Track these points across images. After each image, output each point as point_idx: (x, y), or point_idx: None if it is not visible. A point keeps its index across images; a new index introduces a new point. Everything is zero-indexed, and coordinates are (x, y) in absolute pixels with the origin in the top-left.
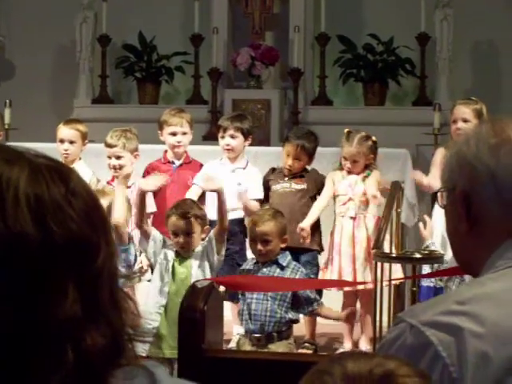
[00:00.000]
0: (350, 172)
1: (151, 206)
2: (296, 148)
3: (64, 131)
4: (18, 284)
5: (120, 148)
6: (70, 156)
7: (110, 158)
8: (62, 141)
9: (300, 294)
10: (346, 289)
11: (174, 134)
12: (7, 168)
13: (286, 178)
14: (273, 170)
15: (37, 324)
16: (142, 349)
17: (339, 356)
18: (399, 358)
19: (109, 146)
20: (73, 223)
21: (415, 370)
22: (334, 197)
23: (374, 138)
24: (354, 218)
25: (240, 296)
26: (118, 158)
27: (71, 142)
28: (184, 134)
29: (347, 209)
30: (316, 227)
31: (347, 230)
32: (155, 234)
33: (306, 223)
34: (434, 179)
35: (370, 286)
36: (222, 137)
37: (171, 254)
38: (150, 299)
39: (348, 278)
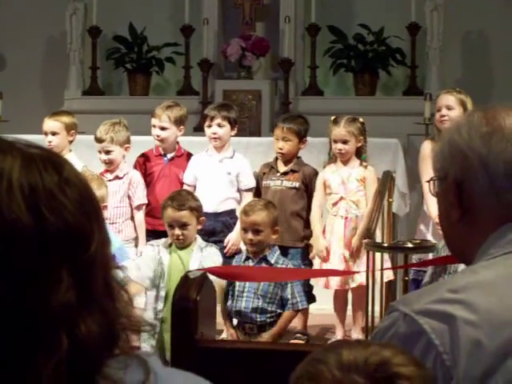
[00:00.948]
0: (342, 156)
1: (142, 198)
2: (282, 129)
3: (46, 123)
4: (13, 270)
5: (108, 142)
6: (54, 148)
7: (100, 152)
8: (45, 133)
9: (286, 296)
10: (336, 287)
11: (154, 127)
12: (0, 158)
13: (278, 174)
14: (265, 165)
15: (30, 310)
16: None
17: (334, 344)
18: (395, 346)
19: (98, 140)
20: (66, 211)
21: (411, 358)
22: (327, 195)
23: (361, 120)
24: (345, 218)
25: (230, 295)
26: (108, 152)
27: (54, 134)
28: (162, 128)
29: (338, 208)
30: (306, 224)
31: (338, 230)
32: (145, 265)
33: (318, 240)
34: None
35: (362, 277)
36: (209, 126)
37: (166, 257)
38: (148, 310)
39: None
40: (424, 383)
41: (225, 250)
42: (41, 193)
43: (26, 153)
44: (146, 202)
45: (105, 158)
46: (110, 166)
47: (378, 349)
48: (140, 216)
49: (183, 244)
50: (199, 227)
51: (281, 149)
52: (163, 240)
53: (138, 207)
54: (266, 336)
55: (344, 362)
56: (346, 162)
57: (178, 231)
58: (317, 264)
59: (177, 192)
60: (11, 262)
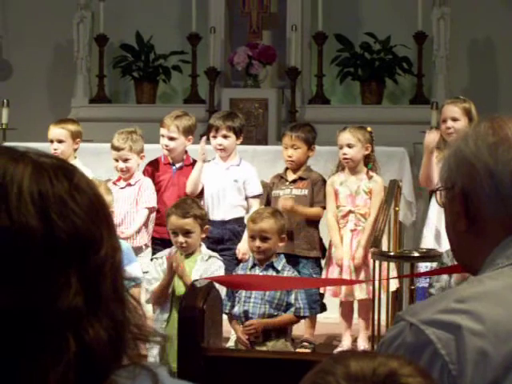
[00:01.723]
0: (347, 163)
1: (150, 201)
2: (290, 137)
3: (52, 131)
4: (22, 274)
5: (127, 151)
6: (60, 155)
7: (116, 160)
8: (51, 141)
9: (289, 301)
10: (342, 298)
11: (163, 136)
12: (11, 165)
13: (287, 183)
14: (275, 176)
15: (38, 314)
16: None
17: (341, 355)
18: (402, 356)
19: (116, 148)
20: (76, 217)
21: (418, 369)
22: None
23: (369, 129)
24: (353, 231)
25: (236, 301)
26: (125, 160)
27: (60, 142)
28: (171, 138)
29: (347, 221)
30: (315, 234)
31: (345, 243)
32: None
33: (337, 248)
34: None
35: (363, 287)
36: (214, 137)
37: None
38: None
39: (346, 289)
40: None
41: (239, 258)
42: (50, 199)
43: (37, 161)
44: (154, 205)
45: (122, 166)
46: (126, 173)
47: (385, 360)
48: (142, 214)
49: (187, 251)
50: (203, 235)
51: (290, 156)
52: (167, 251)
53: (143, 209)
54: (256, 322)
55: (352, 373)
56: (353, 171)
57: (181, 239)
58: (333, 273)
59: (182, 200)
60: (19, 264)
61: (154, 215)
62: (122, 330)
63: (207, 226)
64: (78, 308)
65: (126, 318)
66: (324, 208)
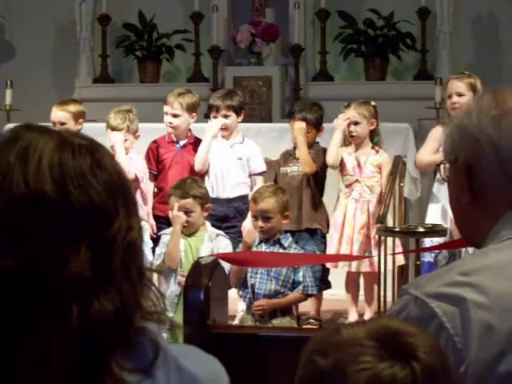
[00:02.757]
0: (354, 139)
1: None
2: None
3: (54, 114)
4: (33, 237)
5: (125, 132)
6: None
7: None
8: (54, 123)
9: (297, 279)
10: (346, 269)
11: (166, 114)
12: (37, 137)
13: (295, 160)
14: (284, 153)
15: (45, 277)
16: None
17: (341, 324)
18: (396, 318)
19: (113, 129)
20: (93, 191)
21: (411, 323)
22: (342, 174)
23: (373, 103)
24: (357, 201)
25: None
26: (124, 141)
27: (62, 124)
28: (175, 115)
29: (352, 190)
30: (320, 207)
31: (350, 212)
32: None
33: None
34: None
35: (374, 260)
36: (215, 117)
37: (181, 241)
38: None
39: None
40: (428, 339)
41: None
42: (70, 170)
43: (64, 136)
44: (133, 176)
45: None
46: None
47: (376, 321)
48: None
49: (189, 230)
50: (206, 214)
51: None
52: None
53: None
54: (265, 303)
55: (351, 334)
56: (359, 146)
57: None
58: (332, 248)
59: (182, 180)
60: (32, 227)
61: (152, 189)
62: (128, 306)
63: (208, 205)
64: (84, 277)
65: (134, 295)
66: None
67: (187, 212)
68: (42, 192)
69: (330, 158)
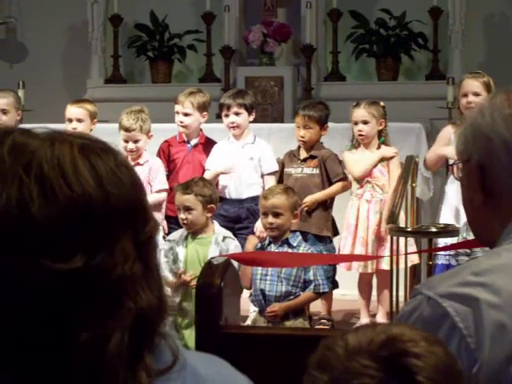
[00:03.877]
0: (362, 139)
1: (164, 183)
2: (303, 117)
3: (71, 110)
4: (84, 240)
5: (138, 131)
6: None
7: (126, 141)
8: (70, 120)
9: (308, 278)
10: (361, 270)
11: (178, 113)
12: (54, 144)
13: (299, 162)
14: (288, 153)
15: (101, 278)
16: None
17: (344, 331)
18: (406, 323)
19: (126, 129)
20: (126, 189)
21: (422, 334)
22: (352, 178)
23: (382, 103)
24: (369, 201)
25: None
26: (136, 141)
27: (79, 121)
28: (186, 114)
29: (364, 191)
30: (327, 213)
31: (362, 213)
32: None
33: None
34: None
35: (386, 260)
36: (226, 115)
37: (181, 252)
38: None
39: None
40: (435, 360)
41: (256, 236)
42: (103, 171)
43: (78, 142)
44: (167, 187)
45: (132, 146)
46: (135, 154)
47: (385, 328)
48: (155, 197)
49: (190, 229)
50: (209, 215)
51: (302, 137)
52: (180, 232)
53: (159, 192)
54: (278, 307)
55: (349, 347)
56: (367, 146)
57: (182, 215)
58: (346, 251)
59: (191, 179)
60: (83, 230)
61: (165, 194)
62: (164, 300)
63: (212, 205)
64: (136, 274)
65: (164, 288)
66: (343, 180)
67: (187, 209)
68: (88, 194)
69: (359, 173)
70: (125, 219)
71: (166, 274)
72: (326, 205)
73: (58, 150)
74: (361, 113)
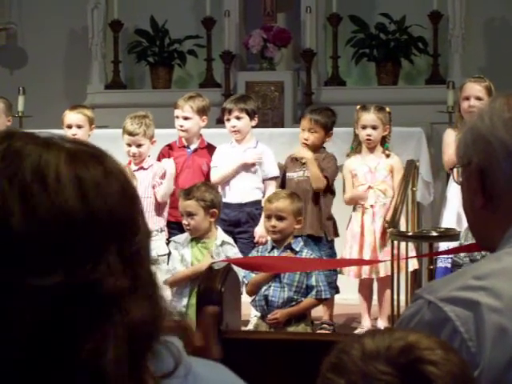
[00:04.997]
0: (369, 143)
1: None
2: (310, 121)
3: (71, 116)
4: (66, 254)
5: (141, 136)
6: None
7: (129, 145)
8: (69, 126)
9: (311, 284)
10: (364, 276)
11: (177, 117)
12: (44, 152)
13: (301, 165)
14: (290, 157)
15: (86, 292)
16: None
17: (361, 334)
18: (421, 331)
19: (130, 134)
20: (112, 200)
21: (438, 342)
22: (354, 186)
23: (388, 109)
24: (373, 206)
25: None
26: (139, 145)
27: (79, 127)
28: (186, 118)
29: (367, 198)
30: (326, 213)
31: (368, 220)
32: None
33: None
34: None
35: (387, 264)
36: (228, 119)
37: (187, 253)
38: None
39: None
40: (451, 368)
41: (255, 241)
42: (88, 182)
43: (68, 148)
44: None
45: (135, 151)
46: (138, 158)
47: (402, 334)
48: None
49: (193, 234)
50: (212, 220)
51: (306, 139)
52: (185, 235)
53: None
54: (280, 314)
55: (367, 351)
56: (371, 151)
57: (184, 220)
58: (352, 251)
59: (194, 184)
60: (65, 244)
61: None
62: (159, 312)
63: (214, 210)
64: (123, 288)
65: (161, 301)
66: (326, 178)
67: (190, 215)
68: (68, 207)
69: (348, 199)
70: (109, 232)
71: (178, 267)
72: (322, 205)
73: (45, 160)
74: (371, 117)
